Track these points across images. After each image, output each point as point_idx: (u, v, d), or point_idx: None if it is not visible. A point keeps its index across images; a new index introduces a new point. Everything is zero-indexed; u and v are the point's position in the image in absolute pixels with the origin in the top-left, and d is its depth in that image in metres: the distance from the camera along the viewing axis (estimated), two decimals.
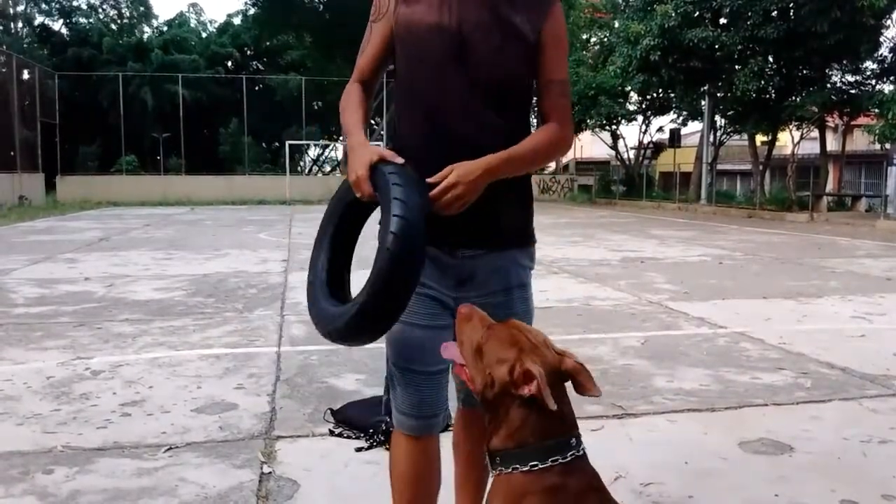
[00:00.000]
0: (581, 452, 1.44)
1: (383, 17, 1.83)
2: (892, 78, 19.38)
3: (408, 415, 1.81)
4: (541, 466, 1.40)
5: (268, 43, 36.78)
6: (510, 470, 1.42)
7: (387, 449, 2.04)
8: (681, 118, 27.46)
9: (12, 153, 23.18)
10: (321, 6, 32.05)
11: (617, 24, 24.32)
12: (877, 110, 17.54)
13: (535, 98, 1.92)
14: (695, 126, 28.38)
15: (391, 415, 1.91)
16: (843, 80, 20.14)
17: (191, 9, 44.56)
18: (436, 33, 1.76)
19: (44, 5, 38.08)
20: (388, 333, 1.72)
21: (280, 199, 25.46)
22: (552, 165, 35.31)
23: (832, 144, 25.12)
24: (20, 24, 38.10)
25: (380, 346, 1.83)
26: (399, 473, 1.86)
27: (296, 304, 6.16)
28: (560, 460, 1.40)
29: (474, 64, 1.77)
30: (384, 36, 1.85)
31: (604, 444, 2.86)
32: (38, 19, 38.44)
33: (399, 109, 1.87)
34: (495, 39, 1.78)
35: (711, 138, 24.07)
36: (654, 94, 25.43)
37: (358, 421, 3.14)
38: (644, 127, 28.73)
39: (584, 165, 35.56)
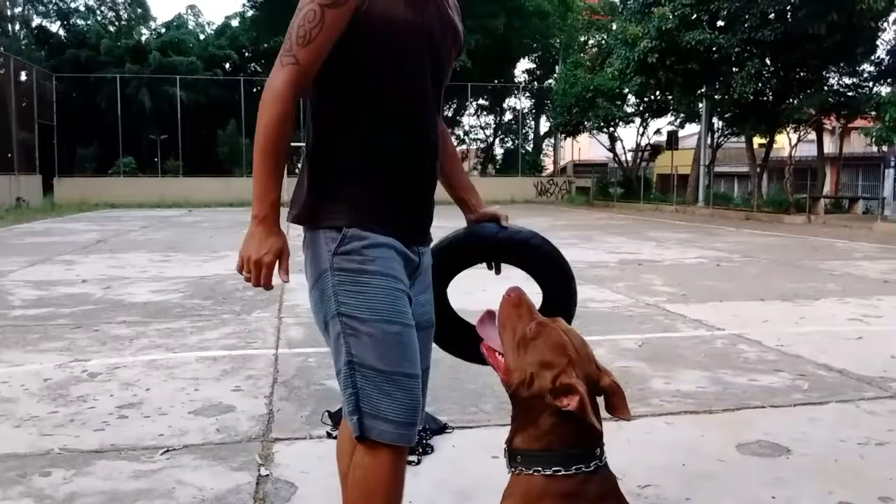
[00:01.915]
0: (603, 462, 1.43)
1: (347, 3, 1.57)
2: (889, 80, 19.42)
3: (403, 423, 1.63)
4: (563, 472, 1.38)
5: (266, 45, 36.64)
6: (531, 472, 1.40)
7: None
8: (678, 120, 27.49)
9: (10, 155, 23.17)
10: None
11: (615, 27, 24.36)
12: (874, 113, 17.59)
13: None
14: (692, 128, 28.44)
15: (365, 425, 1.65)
16: (841, 82, 20.20)
17: (189, 11, 44.65)
18: (412, 31, 1.65)
19: (41, 7, 38.01)
20: (381, 339, 1.61)
21: None
22: (550, 168, 35.38)
23: (829, 147, 25.17)
24: (17, 26, 38.04)
25: None
26: (383, 493, 1.66)
27: (293, 306, 6.16)
28: (583, 469, 1.39)
29: (439, 65, 1.74)
30: (341, 27, 1.59)
31: None
32: (36, 21, 38.39)
33: (360, 115, 1.66)
34: (448, 41, 1.76)
35: (709, 140, 24.12)
36: (652, 97, 25.45)
37: None
38: (642, 129, 28.77)
39: (581, 167, 35.60)
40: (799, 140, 21.45)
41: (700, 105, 23.14)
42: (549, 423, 1.40)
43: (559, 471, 1.38)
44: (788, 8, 17.94)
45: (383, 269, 1.63)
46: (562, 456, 1.39)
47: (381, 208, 1.67)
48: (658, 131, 29.37)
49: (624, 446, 3.00)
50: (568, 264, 2.16)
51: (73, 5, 38.49)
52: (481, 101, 36.55)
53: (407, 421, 1.63)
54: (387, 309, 1.62)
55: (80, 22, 38.21)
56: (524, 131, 36.16)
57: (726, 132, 24.84)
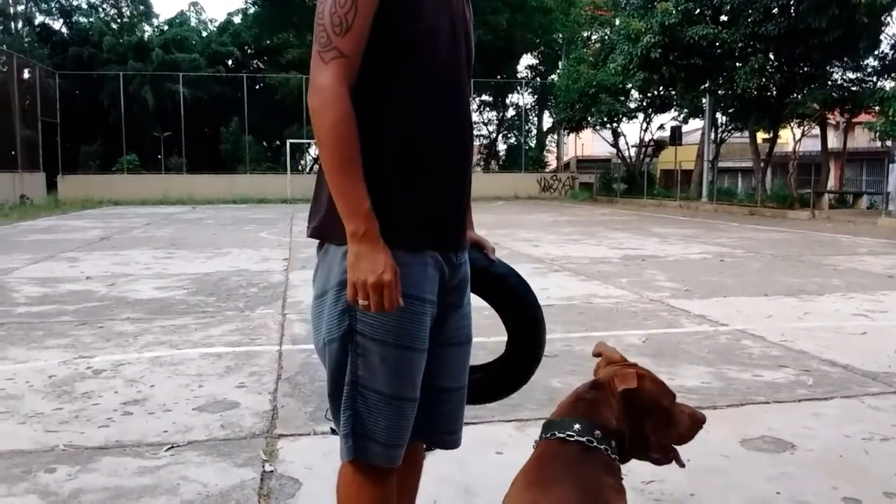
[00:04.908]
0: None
1: None
2: (893, 75, 19.34)
3: (392, 445, 1.59)
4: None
5: (268, 41, 36.69)
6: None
7: None
8: (682, 116, 27.43)
9: (13, 152, 23.20)
10: None
11: (618, 22, 24.26)
12: (878, 107, 17.51)
13: None
14: (696, 123, 28.37)
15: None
16: (845, 77, 20.12)
17: (191, 7, 44.35)
18: (442, 6, 1.54)
19: (44, 4, 37.99)
20: (392, 363, 1.55)
21: (281, 197, 25.48)
22: (553, 164, 35.33)
23: (833, 141, 25.06)
24: (20, 24, 38.05)
25: None
26: None
27: (297, 302, 6.16)
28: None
29: (466, 40, 1.63)
30: (374, 6, 1.45)
31: None
32: (39, 18, 38.36)
33: (389, 105, 1.52)
34: (469, 11, 1.67)
35: (713, 136, 24.04)
36: (655, 92, 25.37)
37: None
38: (645, 125, 28.72)
39: (585, 163, 35.52)
40: (803, 135, 21.38)
41: (703, 100, 23.05)
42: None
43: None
44: (791, 2, 17.87)
45: (409, 291, 1.52)
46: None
47: (415, 219, 1.54)
48: (661, 127, 29.30)
49: None
50: (541, 315, 1.95)
51: (75, 3, 38.50)
52: (484, 97, 36.46)
53: (396, 443, 1.60)
54: (406, 333, 1.53)
55: (82, 19, 38.21)
56: (527, 127, 36.10)
57: (730, 127, 24.77)
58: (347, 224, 1.45)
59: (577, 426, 1.49)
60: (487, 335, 4.12)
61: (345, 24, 1.42)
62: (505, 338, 1.98)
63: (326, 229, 1.56)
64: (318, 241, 1.62)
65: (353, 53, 1.44)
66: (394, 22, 1.48)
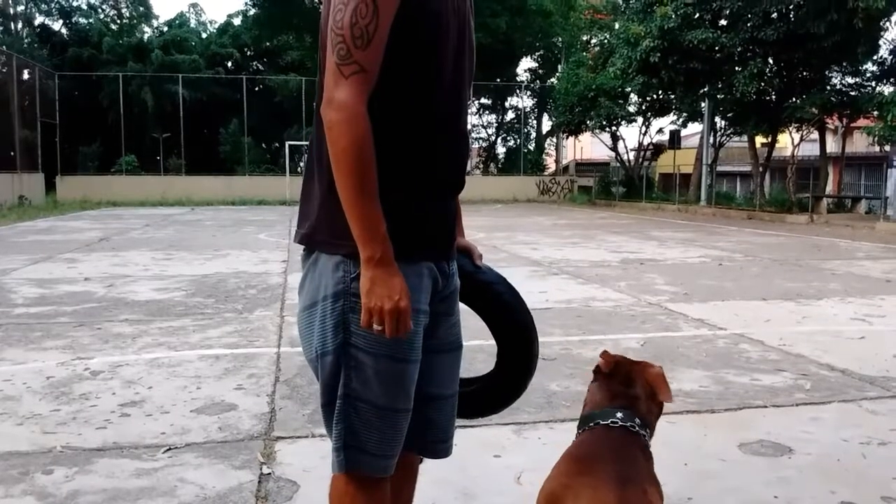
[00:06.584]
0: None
1: None
2: (891, 80, 19.39)
3: (384, 455, 1.58)
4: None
5: (268, 43, 36.72)
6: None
7: None
8: (681, 120, 27.41)
9: (12, 153, 23.18)
10: (321, 6, 31.98)
11: (617, 26, 24.33)
12: (876, 112, 17.54)
13: None
14: (695, 127, 28.35)
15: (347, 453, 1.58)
16: (843, 81, 20.16)
17: (191, 9, 44.45)
18: (451, 15, 1.51)
19: (44, 5, 38.03)
20: (386, 375, 1.53)
21: (280, 199, 25.48)
22: (552, 167, 35.36)
23: (832, 146, 25.12)
24: (20, 24, 38.06)
25: None
26: None
27: (296, 304, 6.14)
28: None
29: (469, 50, 1.63)
30: (392, 17, 1.41)
31: None
32: (38, 19, 38.42)
33: (391, 110, 1.48)
34: (471, 21, 1.65)
35: (711, 140, 24.07)
36: (654, 96, 25.40)
37: None
38: (644, 128, 28.70)
39: (583, 167, 35.55)
40: (801, 139, 21.41)
41: (702, 104, 23.08)
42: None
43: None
44: (790, 7, 17.91)
45: None
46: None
47: (412, 230, 1.51)
48: (660, 130, 29.31)
49: None
50: (532, 323, 1.87)
51: (75, 3, 38.55)
52: (483, 100, 36.49)
53: (389, 454, 1.58)
54: (400, 345, 1.51)
55: (82, 20, 38.26)
56: (526, 130, 36.13)
57: (729, 131, 24.79)
58: (363, 249, 1.42)
59: (619, 414, 1.66)
60: (486, 338, 4.10)
61: (366, 36, 1.38)
62: None
63: (317, 237, 1.54)
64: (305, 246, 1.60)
65: (372, 67, 1.41)
66: (404, 34, 1.44)
